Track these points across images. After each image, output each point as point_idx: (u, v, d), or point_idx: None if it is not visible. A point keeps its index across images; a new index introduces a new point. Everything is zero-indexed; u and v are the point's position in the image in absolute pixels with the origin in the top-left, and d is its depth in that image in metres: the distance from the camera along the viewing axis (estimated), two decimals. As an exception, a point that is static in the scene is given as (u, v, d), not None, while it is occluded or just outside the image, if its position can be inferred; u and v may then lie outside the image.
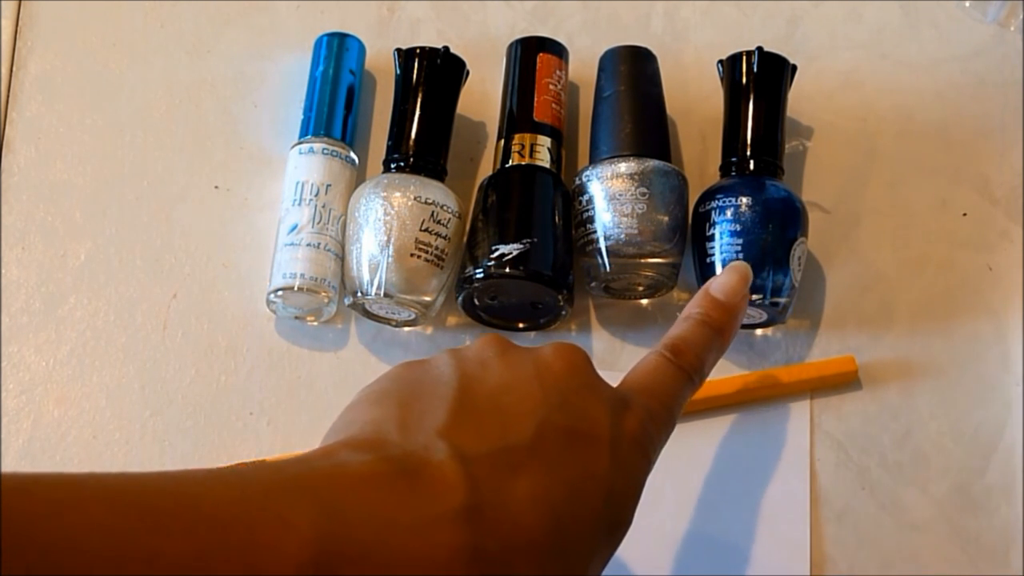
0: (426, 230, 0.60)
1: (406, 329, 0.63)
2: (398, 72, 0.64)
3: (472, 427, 0.42)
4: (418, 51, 0.63)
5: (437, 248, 0.60)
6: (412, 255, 0.60)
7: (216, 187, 0.66)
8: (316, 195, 0.62)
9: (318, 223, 0.61)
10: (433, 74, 0.63)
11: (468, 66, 0.64)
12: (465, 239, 0.62)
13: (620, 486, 0.44)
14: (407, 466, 0.39)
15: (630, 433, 0.45)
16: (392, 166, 0.62)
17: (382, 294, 0.60)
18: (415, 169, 0.62)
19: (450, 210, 0.61)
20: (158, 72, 0.68)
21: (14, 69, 0.68)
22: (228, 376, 0.63)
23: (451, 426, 0.42)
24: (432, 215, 0.60)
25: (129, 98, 0.68)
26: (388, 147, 0.63)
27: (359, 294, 0.60)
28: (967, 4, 0.69)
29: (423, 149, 0.62)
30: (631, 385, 0.48)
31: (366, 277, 0.60)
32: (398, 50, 0.64)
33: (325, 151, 0.63)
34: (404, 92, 0.63)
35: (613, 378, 0.47)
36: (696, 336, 0.51)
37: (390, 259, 0.60)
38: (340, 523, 0.37)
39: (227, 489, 0.36)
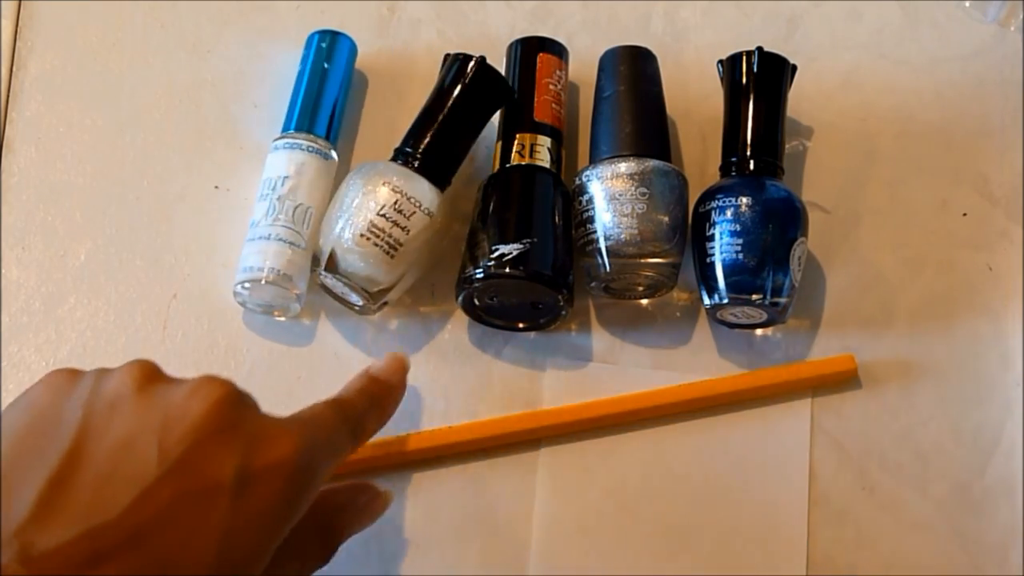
0: (383, 216, 0.59)
1: (406, 327, 0.63)
2: (444, 74, 0.63)
3: (61, 506, 0.40)
4: (476, 61, 0.62)
5: (391, 237, 0.59)
6: (363, 235, 0.59)
7: (216, 187, 0.66)
8: (280, 188, 0.61)
9: (284, 216, 0.61)
10: (475, 90, 0.62)
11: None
12: (466, 240, 0.62)
13: (240, 535, 0.42)
14: None
15: (272, 463, 0.44)
16: (400, 159, 0.62)
17: (328, 268, 0.60)
18: (422, 170, 0.61)
19: (420, 206, 0.60)
20: (158, 72, 0.68)
21: (14, 69, 0.68)
22: (228, 376, 0.62)
23: (34, 516, 0.40)
24: (395, 203, 0.60)
25: (129, 98, 0.68)
26: (404, 138, 0.62)
27: (315, 269, 0.60)
28: (967, 4, 0.69)
29: (434, 153, 0.61)
30: (291, 418, 0.49)
31: (322, 250, 0.60)
32: (451, 54, 0.63)
33: (303, 147, 0.63)
34: (440, 95, 0.62)
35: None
36: (356, 399, 0.54)
37: (343, 234, 0.59)
38: None
39: None
